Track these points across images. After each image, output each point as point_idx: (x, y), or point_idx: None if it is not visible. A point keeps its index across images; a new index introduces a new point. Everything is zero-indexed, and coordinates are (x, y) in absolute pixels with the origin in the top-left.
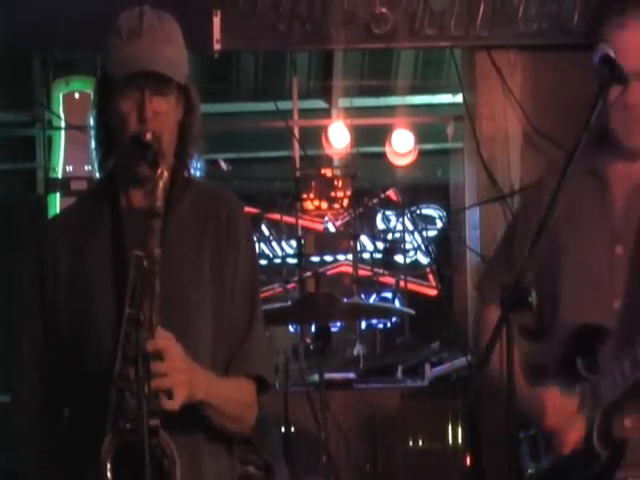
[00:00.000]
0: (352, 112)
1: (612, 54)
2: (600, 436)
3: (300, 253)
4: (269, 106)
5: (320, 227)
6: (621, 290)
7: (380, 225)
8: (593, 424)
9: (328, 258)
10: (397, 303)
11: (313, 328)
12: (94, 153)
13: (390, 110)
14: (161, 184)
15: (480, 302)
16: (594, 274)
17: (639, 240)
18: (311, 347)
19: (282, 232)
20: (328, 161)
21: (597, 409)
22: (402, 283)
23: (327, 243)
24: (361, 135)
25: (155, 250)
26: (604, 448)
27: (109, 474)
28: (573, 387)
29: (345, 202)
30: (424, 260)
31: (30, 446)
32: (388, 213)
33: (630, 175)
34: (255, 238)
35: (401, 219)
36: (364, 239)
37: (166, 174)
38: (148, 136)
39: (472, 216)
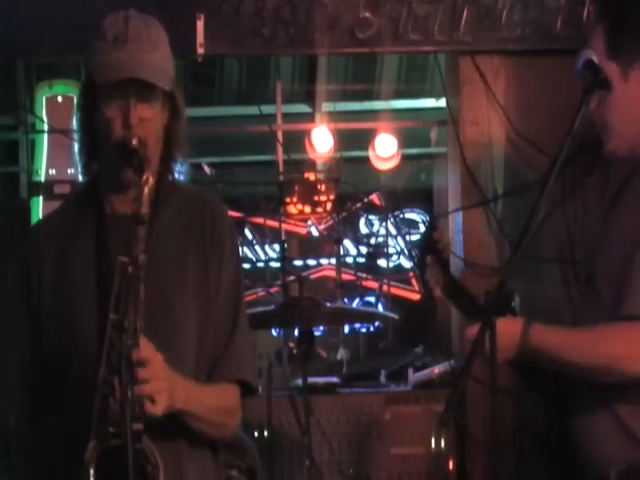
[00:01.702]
0: (335, 116)
1: (595, 59)
2: None
3: (283, 257)
4: (253, 110)
5: (303, 231)
6: None
7: (363, 229)
8: None
9: (311, 262)
10: (380, 307)
11: (297, 332)
12: (78, 157)
13: (374, 114)
14: (146, 190)
15: None
16: None
17: None
18: (294, 351)
19: (265, 236)
20: (311, 165)
21: None
22: (385, 287)
23: (310, 247)
24: (344, 139)
25: (140, 256)
26: None
27: (92, 479)
28: None
29: (328, 206)
30: (407, 264)
31: (16, 455)
32: (371, 217)
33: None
34: (239, 242)
35: (384, 223)
36: (347, 243)
37: (151, 180)
38: (134, 142)
39: (455, 221)
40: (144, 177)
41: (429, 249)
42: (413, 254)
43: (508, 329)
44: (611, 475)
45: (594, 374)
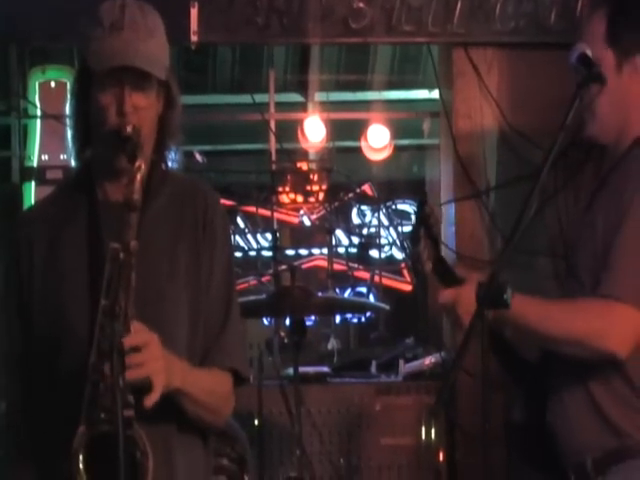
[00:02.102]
0: (328, 106)
1: (589, 53)
2: None
3: (275, 246)
4: (245, 99)
5: (295, 220)
6: None
7: (355, 220)
8: None
9: (303, 252)
10: (372, 298)
11: (288, 322)
12: (71, 143)
13: (366, 105)
14: (138, 177)
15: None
16: None
17: None
18: (286, 341)
19: (257, 225)
20: (304, 155)
21: None
22: (377, 278)
23: (302, 237)
24: (337, 129)
25: (132, 243)
26: None
27: (81, 465)
28: None
29: (321, 196)
30: (399, 255)
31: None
32: (363, 208)
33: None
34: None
35: (376, 214)
36: (339, 233)
37: (143, 167)
38: (128, 129)
39: (448, 213)
40: (136, 164)
41: (421, 223)
42: (405, 245)
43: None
44: (587, 463)
45: (568, 348)
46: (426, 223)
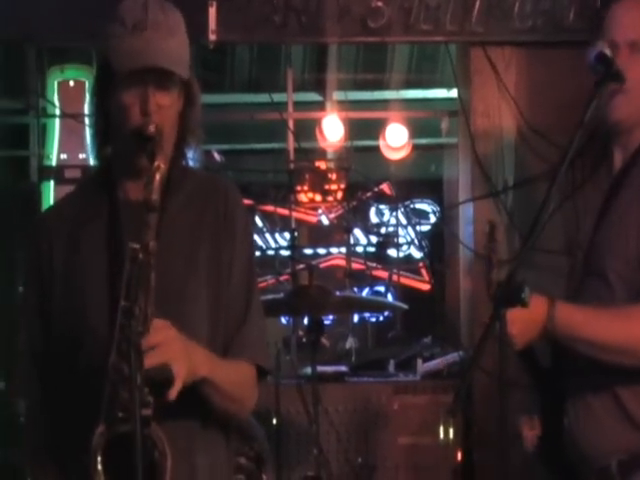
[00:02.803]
0: (346, 105)
1: (607, 52)
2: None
3: (293, 245)
4: (263, 98)
5: (314, 219)
6: None
7: (374, 219)
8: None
9: (321, 251)
10: (389, 297)
11: (306, 321)
12: (92, 142)
13: (384, 104)
14: (158, 177)
15: None
16: None
17: None
18: (304, 340)
19: (275, 224)
20: (322, 154)
21: None
22: (395, 277)
23: (320, 236)
24: (355, 128)
25: (151, 243)
26: None
27: (99, 466)
28: None
29: (339, 195)
30: (417, 255)
31: (25, 438)
32: (382, 207)
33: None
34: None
35: (395, 213)
36: (357, 232)
37: (163, 167)
38: (151, 128)
39: (466, 212)
40: (155, 164)
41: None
42: (423, 244)
43: (536, 308)
44: (612, 465)
45: (612, 354)
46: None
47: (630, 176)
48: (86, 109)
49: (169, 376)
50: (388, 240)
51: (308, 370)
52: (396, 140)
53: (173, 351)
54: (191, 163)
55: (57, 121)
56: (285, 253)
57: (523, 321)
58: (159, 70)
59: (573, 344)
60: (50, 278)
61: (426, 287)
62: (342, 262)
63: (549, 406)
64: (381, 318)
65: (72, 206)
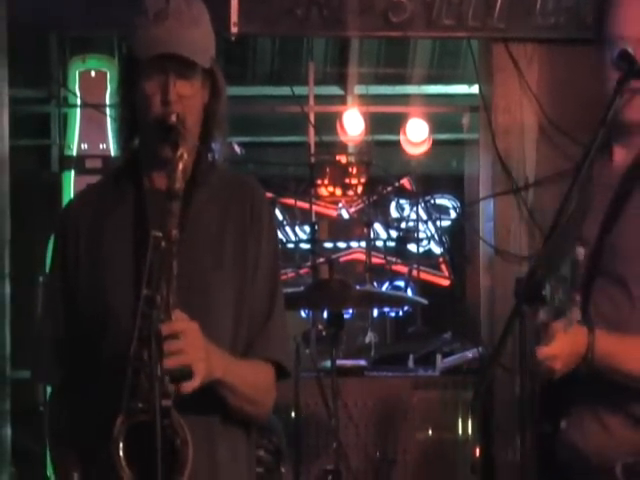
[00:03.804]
0: (367, 99)
1: (630, 50)
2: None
3: (313, 239)
4: (285, 91)
5: (334, 213)
6: None
7: (394, 213)
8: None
9: (341, 245)
10: (409, 292)
11: (325, 314)
12: (118, 132)
13: (405, 99)
14: (180, 166)
15: None
16: None
17: None
18: (323, 333)
19: (296, 217)
20: (343, 148)
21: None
22: (415, 272)
23: (340, 230)
24: (376, 123)
25: (173, 231)
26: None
27: (121, 453)
28: None
29: (359, 189)
30: (437, 250)
31: (47, 426)
32: (402, 202)
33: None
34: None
35: (415, 208)
36: (378, 227)
37: (186, 156)
38: (173, 118)
39: (486, 208)
40: (178, 153)
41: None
42: (443, 240)
43: (578, 340)
44: (617, 468)
45: None
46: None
47: None
48: (107, 99)
49: (188, 373)
50: (408, 235)
51: (327, 364)
52: (417, 135)
53: (196, 352)
54: (217, 156)
55: (78, 111)
56: (305, 246)
57: (565, 356)
58: (180, 59)
59: (611, 375)
60: (75, 265)
61: (446, 282)
62: (362, 256)
63: (547, 408)
64: (401, 313)
65: (98, 195)
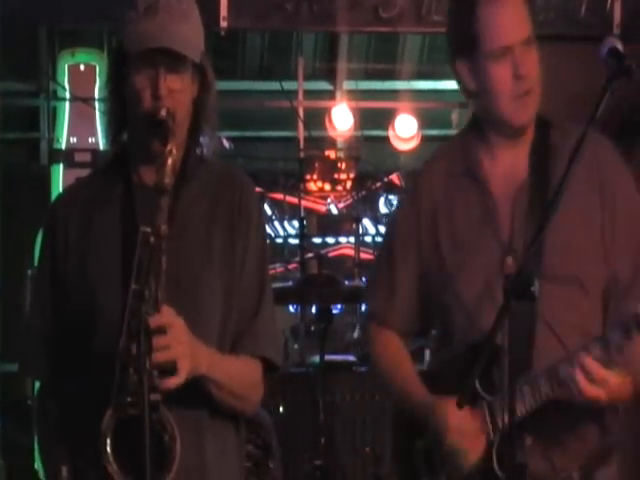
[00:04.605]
0: (356, 95)
1: (620, 47)
2: (499, 459)
3: (302, 234)
4: (274, 86)
5: (323, 208)
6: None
7: (383, 209)
8: (492, 446)
9: (330, 240)
10: None
11: (314, 309)
12: (107, 126)
13: (395, 94)
14: (169, 161)
15: (368, 319)
16: (485, 289)
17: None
18: (312, 328)
19: (285, 212)
20: (332, 143)
21: (496, 431)
22: None
23: (329, 225)
24: (365, 118)
25: (162, 227)
26: (503, 472)
27: (109, 448)
28: (473, 402)
29: (348, 185)
30: None
31: (36, 420)
32: (391, 197)
33: (511, 173)
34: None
35: None
36: (366, 222)
37: (175, 151)
38: (162, 112)
39: None
40: (167, 148)
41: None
42: None
43: (621, 389)
44: (573, 475)
45: None
46: None
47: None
48: (96, 93)
49: (172, 368)
50: None
51: (316, 359)
52: (405, 131)
53: (181, 348)
54: (205, 150)
55: (67, 104)
56: (294, 241)
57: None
58: (169, 53)
59: None
60: (64, 260)
61: None
62: (351, 252)
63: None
64: None
65: (87, 190)
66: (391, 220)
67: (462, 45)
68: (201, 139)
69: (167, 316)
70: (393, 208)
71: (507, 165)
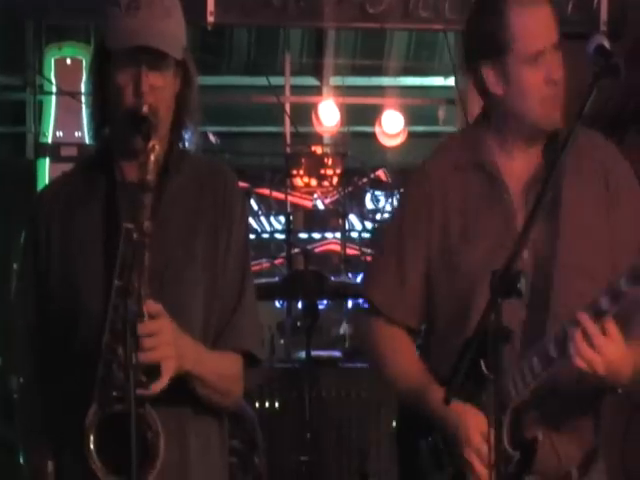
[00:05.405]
0: (343, 90)
1: (607, 44)
2: (511, 438)
3: (288, 229)
4: (261, 81)
5: (309, 204)
6: (527, 295)
7: (369, 205)
8: (502, 427)
9: (316, 235)
10: None
11: (300, 305)
12: (89, 122)
13: (381, 90)
14: (152, 157)
15: (370, 312)
16: None
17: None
18: (298, 324)
19: (271, 207)
20: (318, 139)
21: (505, 410)
22: None
23: (316, 220)
24: (352, 114)
25: (145, 223)
26: (515, 450)
27: (92, 445)
28: (476, 389)
29: (335, 180)
30: None
31: (19, 414)
32: (377, 193)
33: (526, 169)
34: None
35: (390, 200)
36: (353, 218)
37: (158, 148)
38: (144, 109)
39: None
40: (150, 144)
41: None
42: None
43: (620, 365)
44: (572, 472)
45: None
46: None
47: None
48: (83, 87)
49: (155, 369)
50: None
51: (302, 355)
52: (392, 127)
53: (166, 350)
54: (188, 145)
55: (53, 98)
56: (280, 237)
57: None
58: (152, 50)
59: None
60: (47, 257)
61: None
62: (337, 247)
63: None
64: None
65: (70, 186)
66: (396, 212)
67: (489, 49)
68: (185, 134)
69: (155, 321)
70: (380, 204)
71: (522, 162)
